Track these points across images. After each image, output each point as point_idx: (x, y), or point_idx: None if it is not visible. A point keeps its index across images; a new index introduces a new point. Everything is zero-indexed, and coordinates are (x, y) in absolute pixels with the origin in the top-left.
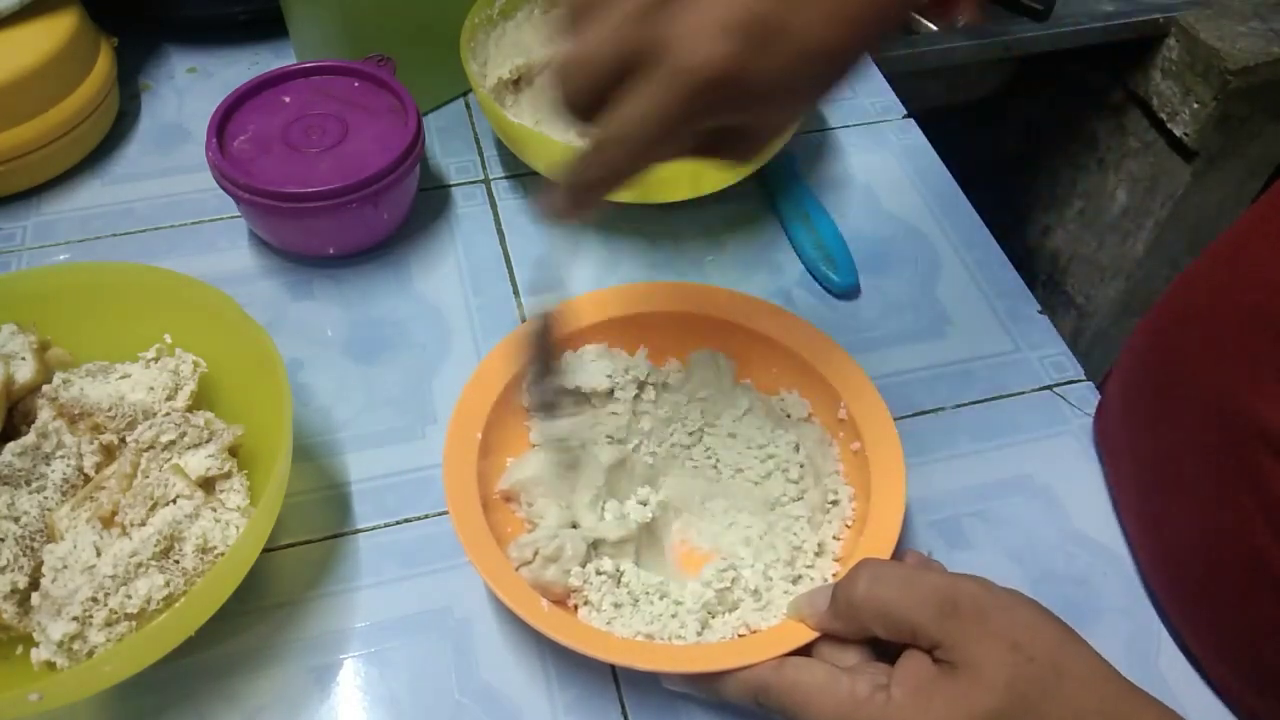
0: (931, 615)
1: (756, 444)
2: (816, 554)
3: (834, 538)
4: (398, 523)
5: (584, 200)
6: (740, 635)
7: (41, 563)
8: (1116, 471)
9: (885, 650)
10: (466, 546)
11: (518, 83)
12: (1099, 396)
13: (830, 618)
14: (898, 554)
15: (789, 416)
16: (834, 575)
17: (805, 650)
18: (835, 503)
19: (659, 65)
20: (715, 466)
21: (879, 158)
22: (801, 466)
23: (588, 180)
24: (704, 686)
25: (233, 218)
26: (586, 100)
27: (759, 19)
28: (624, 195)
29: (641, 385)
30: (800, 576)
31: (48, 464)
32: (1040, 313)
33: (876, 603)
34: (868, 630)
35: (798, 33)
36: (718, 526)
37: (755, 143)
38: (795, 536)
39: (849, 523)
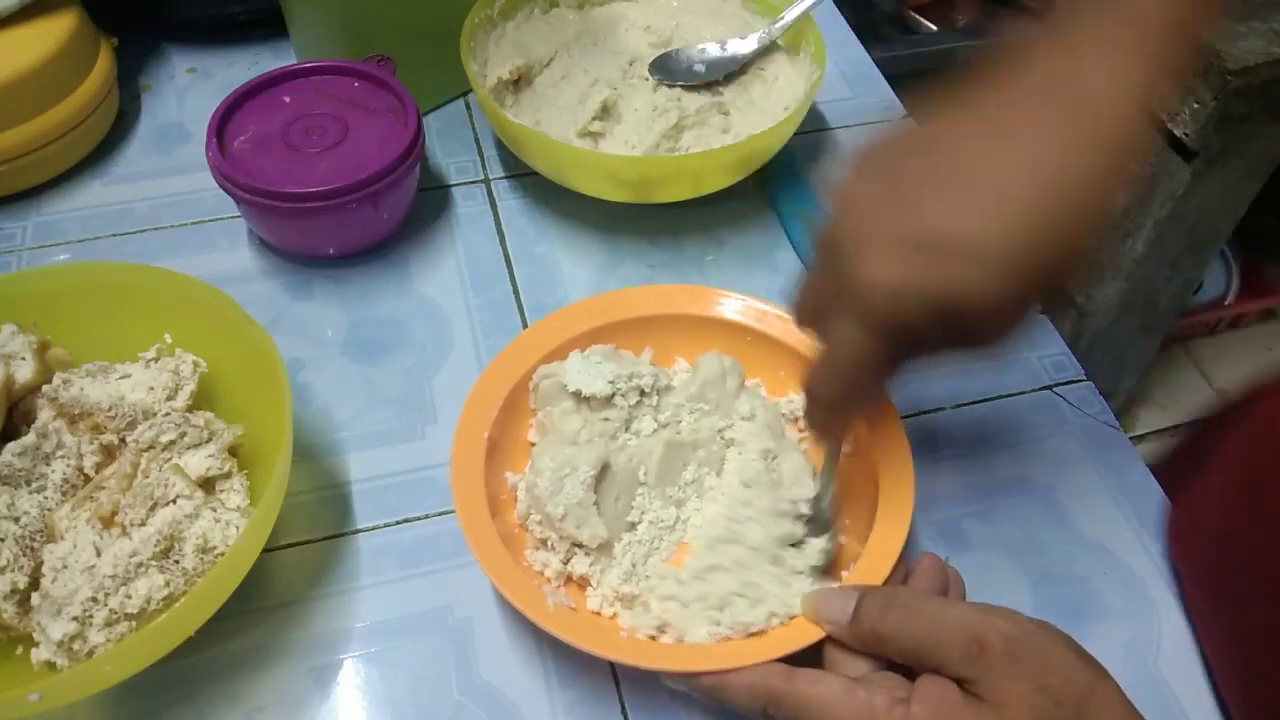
0: (960, 654)
1: (761, 447)
2: (828, 541)
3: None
4: (398, 523)
5: (829, 427)
6: (772, 625)
7: (41, 563)
8: (1201, 606)
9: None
10: (473, 546)
11: (518, 83)
12: (1169, 508)
13: (851, 637)
14: (910, 557)
15: (797, 420)
16: (849, 569)
17: (811, 649)
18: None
19: (847, 298)
20: (719, 472)
21: None
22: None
23: (821, 413)
24: (708, 691)
25: (233, 218)
26: (809, 324)
27: (919, 232)
28: (623, 195)
29: (644, 393)
30: (816, 565)
31: (48, 464)
32: (1040, 313)
33: (904, 639)
34: (888, 657)
35: (960, 236)
36: (723, 520)
37: (985, 341)
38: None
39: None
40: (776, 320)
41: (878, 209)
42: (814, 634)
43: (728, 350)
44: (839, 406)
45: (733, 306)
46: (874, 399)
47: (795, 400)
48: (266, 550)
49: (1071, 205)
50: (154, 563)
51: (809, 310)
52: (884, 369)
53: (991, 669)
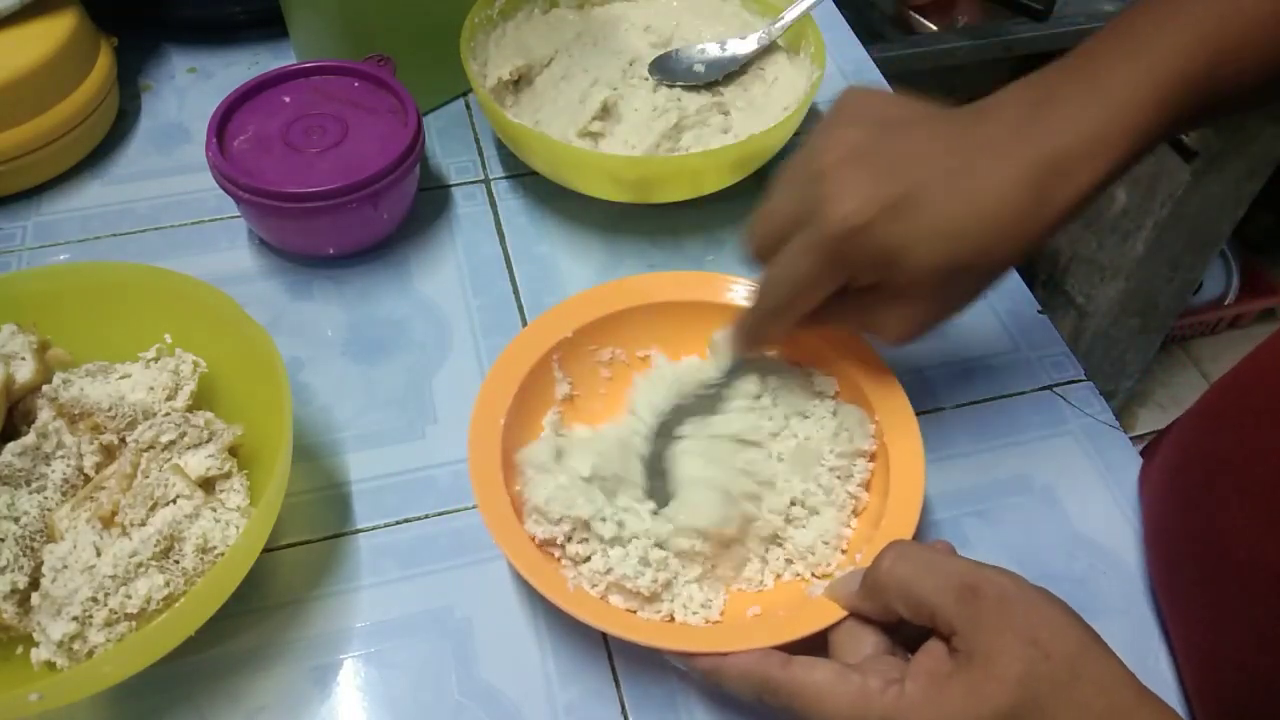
0: (951, 599)
1: (782, 413)
2: (857, 507)
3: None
4: (398, 523)
5: (758, 336)
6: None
7: (41, 563)
8: (1162, 569)
9: (900, 643)
10: (492, 529)
11: (518, 83)
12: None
13: (860, 597)
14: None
15: (820, 395)
16: (861, 552)
17: (818, 636)
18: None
19: (810, 222)
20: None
21: None
22: (837, 435)
23: (755, 320)
24: (706, 674)
25: (233, 218)
26: (765, 251)
27: (894, 191)
28: (623, 195)
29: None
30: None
31: (48, 464)
32: (1040, 313)
33: (899, 580)
34: (891, 609)
35: (927, 209)
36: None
37: (906, 319)
38: (842, 482)
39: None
40: None
41: (862, 152)
42: (816, 623)
43: None
44: (770, 317)
45: (745, 293)
46: (800, 317)
47: (817, 376)
48: (266, 550)
49: (1002, 235)
50: (154, 563)
51: (770, 238)
52: (817, 293)
53: (981, 617)
